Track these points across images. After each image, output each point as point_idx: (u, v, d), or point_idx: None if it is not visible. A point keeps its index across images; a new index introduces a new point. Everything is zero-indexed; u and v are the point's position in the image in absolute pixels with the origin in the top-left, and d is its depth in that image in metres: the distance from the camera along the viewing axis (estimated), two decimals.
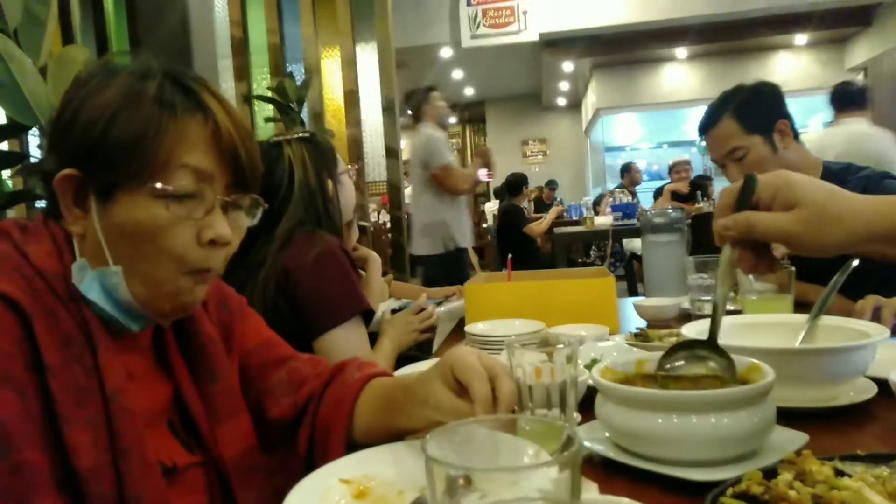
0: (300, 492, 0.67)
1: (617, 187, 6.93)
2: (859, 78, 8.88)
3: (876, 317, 1.15)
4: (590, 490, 0.64)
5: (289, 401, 0.87)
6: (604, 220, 5.82)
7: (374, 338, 1.60)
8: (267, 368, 0.90)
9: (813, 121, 9.63)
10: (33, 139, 2.22)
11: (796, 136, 1.65)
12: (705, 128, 1.69)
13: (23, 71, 1.73)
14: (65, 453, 0.63)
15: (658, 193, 6.59)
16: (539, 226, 5.85)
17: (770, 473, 0.57)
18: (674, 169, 6.30)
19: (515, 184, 6.07)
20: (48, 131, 0.76)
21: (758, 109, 1.63)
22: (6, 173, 2.14)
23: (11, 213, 2.11)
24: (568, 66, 9.36)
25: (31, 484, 0.60)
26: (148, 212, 0.69)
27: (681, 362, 0.76)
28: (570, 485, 0.37)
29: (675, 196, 6.19)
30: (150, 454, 0.70)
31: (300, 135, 1.53)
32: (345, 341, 1.37)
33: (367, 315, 1.44)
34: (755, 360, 0.74)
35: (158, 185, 0.69)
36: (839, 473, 0.57)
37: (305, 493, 0.66)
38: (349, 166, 1.60)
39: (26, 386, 0.62)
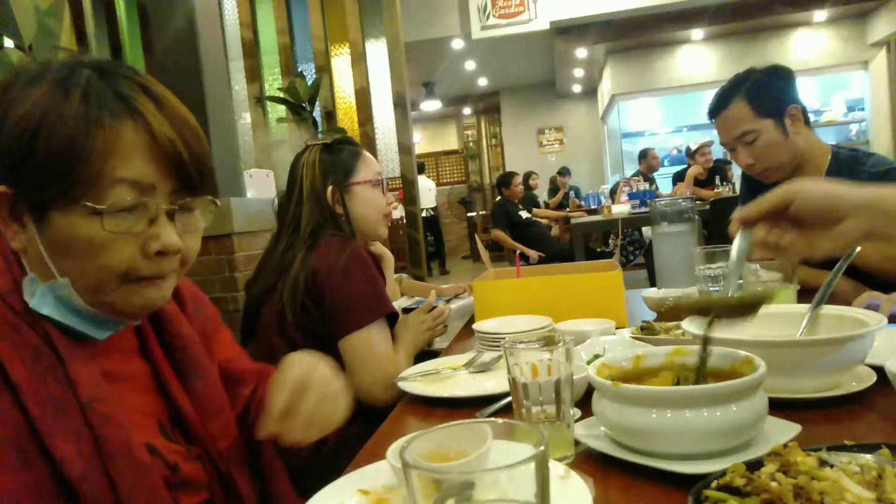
0: (318, 500, 0.68)
1: (634, 174, 6.87)
2: (882, 53, 8.69)
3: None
4: (586, 485, 0.65)
5: (251, 412, 0.92)
6: (621, 209, 5.79)
7: None
8: (241, 382, 0.93)
9: (835, 99, 9.43)
10: None
11: (807, 121, 1.64)
12: (716, 111, 1.68)
13: None
14: (55, 465, 0.63)
15: (677, 178, 6.52)
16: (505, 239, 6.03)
17: (756, 465, 0.58)
18: (698, 152, 6.23)
19: (503, 180, 6.39)
20: None
21: (770, 93, 1.62)
22: None
23: None
24: (581, 53, 9.27)
25: None
26: (83, 231, 0.66)
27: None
28: (539, 483, 0.39)
29: (696, 181, 6.14)
30: (139, 455, 0.69)
31: (322, 142, 1.61)
32: (368, 343, 1.41)
33: (392, 317, 1.47)
34: (748, 353, 0.75)
35: (90, 203, 0.65)
36: (824, 464, 0.58)
37: (323, 503, 0.68)
38: (374, 179, 1.59)
39: None
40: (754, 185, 1.80)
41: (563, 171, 9.16)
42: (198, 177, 0.72)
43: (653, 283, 1.97)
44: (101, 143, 0.65)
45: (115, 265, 0.68)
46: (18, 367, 0.63)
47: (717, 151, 6.48)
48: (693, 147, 6.41)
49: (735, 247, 0.81)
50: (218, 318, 0.98)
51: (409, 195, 3.88)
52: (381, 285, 1.48)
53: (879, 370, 0.86)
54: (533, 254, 5.62)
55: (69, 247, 0.67)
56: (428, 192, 10.30)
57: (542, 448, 0.40)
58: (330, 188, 1.53)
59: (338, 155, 1.58)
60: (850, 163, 1.60)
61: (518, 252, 1.71)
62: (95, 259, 0.67)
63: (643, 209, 5.50)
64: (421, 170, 10.28)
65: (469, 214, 12.24)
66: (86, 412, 0.66)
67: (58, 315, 0.69)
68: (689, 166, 6.35)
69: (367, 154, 1.64)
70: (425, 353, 1.69)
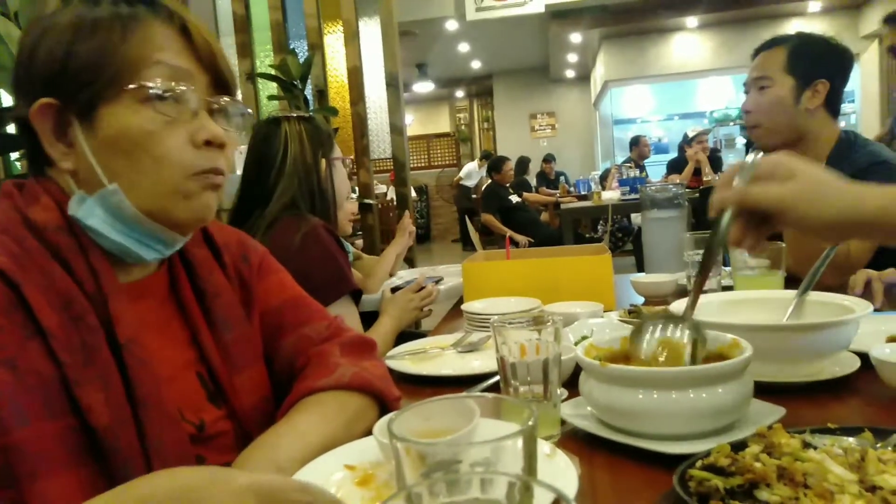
0: (303, 475, 0.68)
1: (625, 161, 6.88)
2: (874, 46, 8.71)
3: (868, 290, 1.15)
4: (572, 463, 0.65)
5: (287, 368, 0.86)
6: (611, 195, 5.80)
7: (376, 316, 1.62)
8: (281, 331, 0.88)
9: None
10: None
11: (834, 108, 1.60)
12: (762, 48, 1.67)
13: None
14: (82, 414, 0.62)
15: (672, 167, 6.52)
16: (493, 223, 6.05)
17: (740, 446, 0.59)
18: (695, 139, 6.23)
19: (494, 164, 6.39)
20: (12, 79, 0.71)
21: (810, 58, 1.58)
22: (14, 155, 2.17)
23: None
24: (576, 38, 9.23)
25: (30, 464, 0.58)
26: (135, 117, 0.68)
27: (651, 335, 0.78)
28: (526, 458, 0.39)
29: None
30: (169, 405, 0.69)
31: (300, 114, 1.55)
32: None
33: (356, 295, 1.45)
34: (735, 337, 0.75)
35: (138, 84, 0.67)
36: (808, 446, 0.58)
37: (308, 477, 0.67)
38: (343, 157, 1.61)
39: (19, 356, 0.60)
40: None
41: (549, 158, 9.13)
42: (229, 76, 0.75)
43: (641, 270, 1.98)
44: (139, 32, 0.69)
45: (168, 153, 0.69)
46: (49, 313, 0.62)
47: (711, 142, 6.50)
48: (691, 134, 6.41)
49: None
50: (266, 260, 0.92)
51: (399, 177, 3.85)
52: (343, 263, 1.45)
53: (864, 356, 0.87)
54: (522, 239, 5.64)
55: (122, 142, 0.68)
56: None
57: (531, 423, 0.39)
58: (324, 161, 1.50)
59: (322, 130, 1.54)
60: (846, 148, 1.58)
61: (508, 235, 1.71)
62: (149, 150, 0.68)
63: (633, 196, 5.52)
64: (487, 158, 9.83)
65: None
66: (121, 353, 0.65)
67: (105, 228, 0.68)
68: (685, 152, 6.36)
69: None
70: (412, 335, 1.70)
